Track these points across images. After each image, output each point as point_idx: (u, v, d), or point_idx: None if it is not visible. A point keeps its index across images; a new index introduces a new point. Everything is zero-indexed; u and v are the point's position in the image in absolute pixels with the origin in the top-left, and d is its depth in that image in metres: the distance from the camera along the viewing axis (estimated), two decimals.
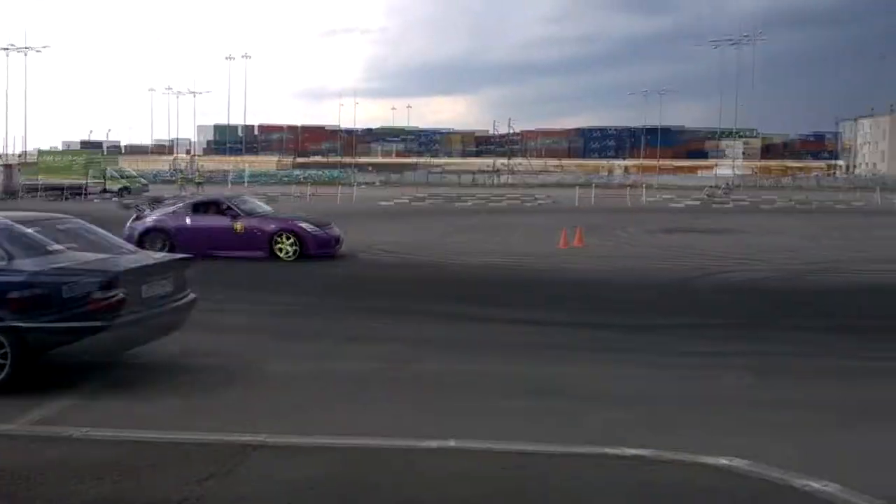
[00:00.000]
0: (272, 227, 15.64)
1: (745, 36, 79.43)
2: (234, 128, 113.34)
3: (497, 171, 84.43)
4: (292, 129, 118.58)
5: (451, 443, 4.73)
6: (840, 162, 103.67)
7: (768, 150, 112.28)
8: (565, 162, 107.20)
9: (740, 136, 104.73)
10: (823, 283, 13.13)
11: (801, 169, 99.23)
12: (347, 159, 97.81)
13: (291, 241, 15.36)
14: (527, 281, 13.61)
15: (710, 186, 56.77)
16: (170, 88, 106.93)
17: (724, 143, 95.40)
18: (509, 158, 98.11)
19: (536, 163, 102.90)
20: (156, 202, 20.35)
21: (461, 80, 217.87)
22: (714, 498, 4.12)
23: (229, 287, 11.83)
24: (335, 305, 10.97)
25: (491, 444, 4.75)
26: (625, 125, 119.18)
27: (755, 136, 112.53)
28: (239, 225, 15.56)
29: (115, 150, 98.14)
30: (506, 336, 8.73)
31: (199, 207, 16.38)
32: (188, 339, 7.26)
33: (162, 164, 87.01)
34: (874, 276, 13.93)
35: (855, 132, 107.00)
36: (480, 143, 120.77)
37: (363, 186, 58.54)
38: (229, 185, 56.67)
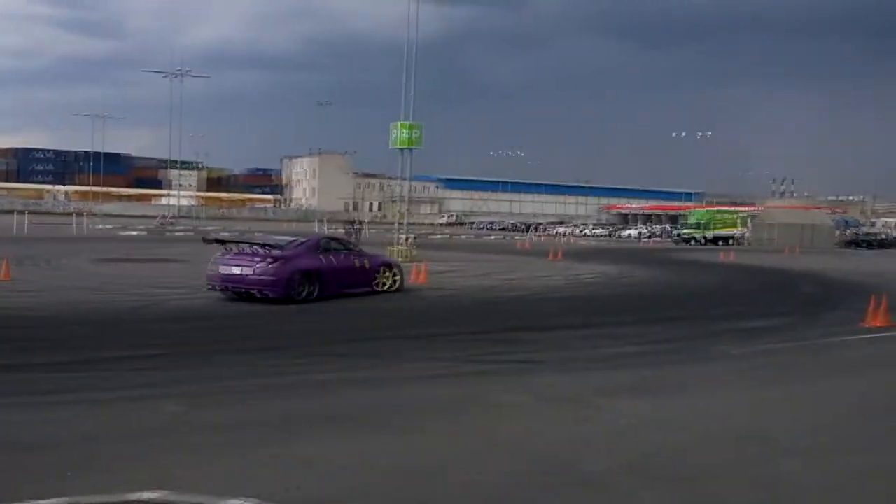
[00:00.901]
0: (376, 262, 16.19)
1: (185, 70, 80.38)
2: None
3: None
4: None
5: None
6: (277, 196, 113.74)
7: (218, 182, 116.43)
8: None
9: (188, 167, 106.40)
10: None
11: (246, 201, 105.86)
12: None
13: (396, 275, 16.27)
14: None
15: (163, 216, 58.04)
16: None
17: (173, 172, 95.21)
18: None
19: None
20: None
21: None
22: None
23: None
24: None
25: None
26: (68, 148, 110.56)
27: (202, 168, 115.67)
28: (362, 262, 15.70)
29: None
30: None
31: (324, 245, 15.57)
32: None
33: None
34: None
35: (290, 170, 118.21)
36: None
37: None
38: None
